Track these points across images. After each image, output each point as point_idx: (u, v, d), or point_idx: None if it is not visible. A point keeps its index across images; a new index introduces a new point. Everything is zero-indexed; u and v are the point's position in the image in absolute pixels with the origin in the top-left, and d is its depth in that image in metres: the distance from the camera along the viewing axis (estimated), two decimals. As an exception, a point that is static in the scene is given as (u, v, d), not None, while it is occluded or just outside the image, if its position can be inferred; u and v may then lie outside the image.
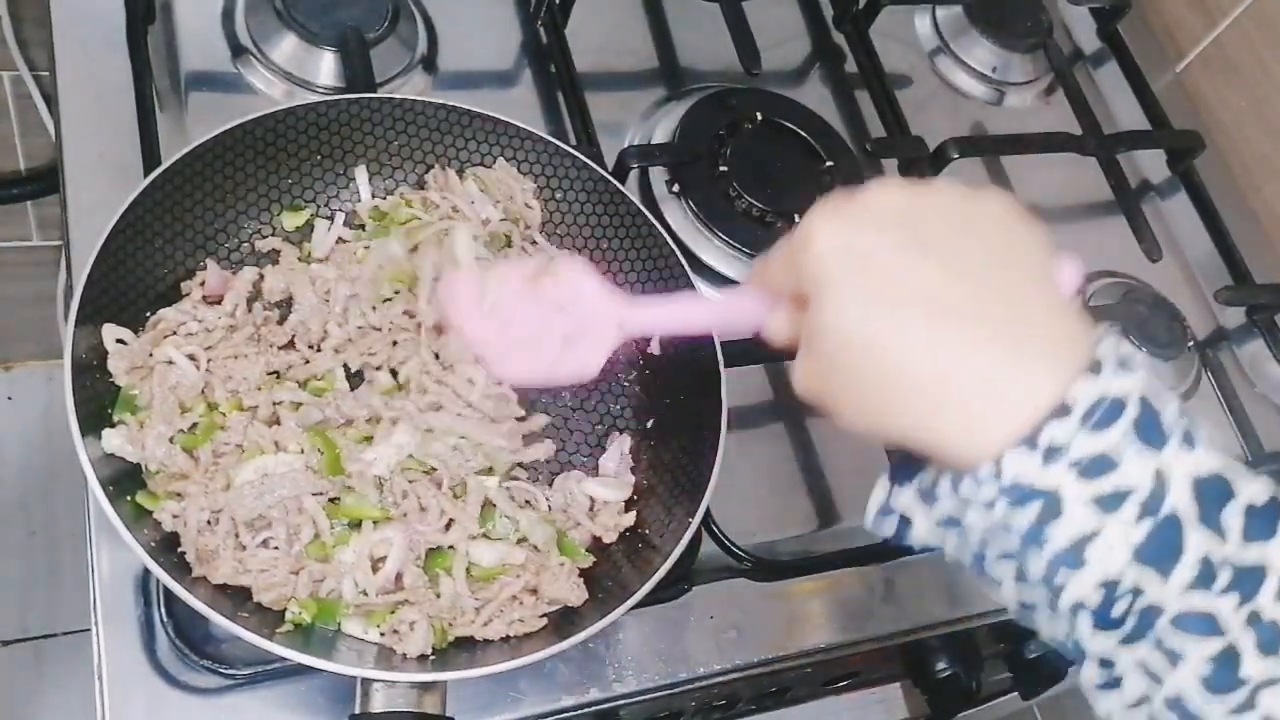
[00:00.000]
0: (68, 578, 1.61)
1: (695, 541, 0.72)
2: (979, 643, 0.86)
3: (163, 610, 0.64)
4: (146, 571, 0.65)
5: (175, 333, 0.66)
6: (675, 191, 0.88)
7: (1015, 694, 0.96)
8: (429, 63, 0.90)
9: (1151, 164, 1.10)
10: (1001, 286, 0.43)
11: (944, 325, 0.42)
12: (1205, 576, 0.40)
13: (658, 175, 0.89)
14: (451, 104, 0.75)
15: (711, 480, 0.67)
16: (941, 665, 0.84)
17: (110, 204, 0.64)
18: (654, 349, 0.76)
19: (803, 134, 0.93)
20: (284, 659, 0.58)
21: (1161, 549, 0.40)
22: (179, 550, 0.61)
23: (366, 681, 0.59)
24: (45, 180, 1.33)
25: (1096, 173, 1.00)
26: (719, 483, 0.67)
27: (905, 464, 0.47)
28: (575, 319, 0.58)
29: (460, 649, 0.63)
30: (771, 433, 0.84)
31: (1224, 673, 0.41)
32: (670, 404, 0.74)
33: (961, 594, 0.81)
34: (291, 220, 0.73)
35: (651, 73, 0.97)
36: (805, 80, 1.02)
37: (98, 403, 0.63)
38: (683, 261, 0.74)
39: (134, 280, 0.66)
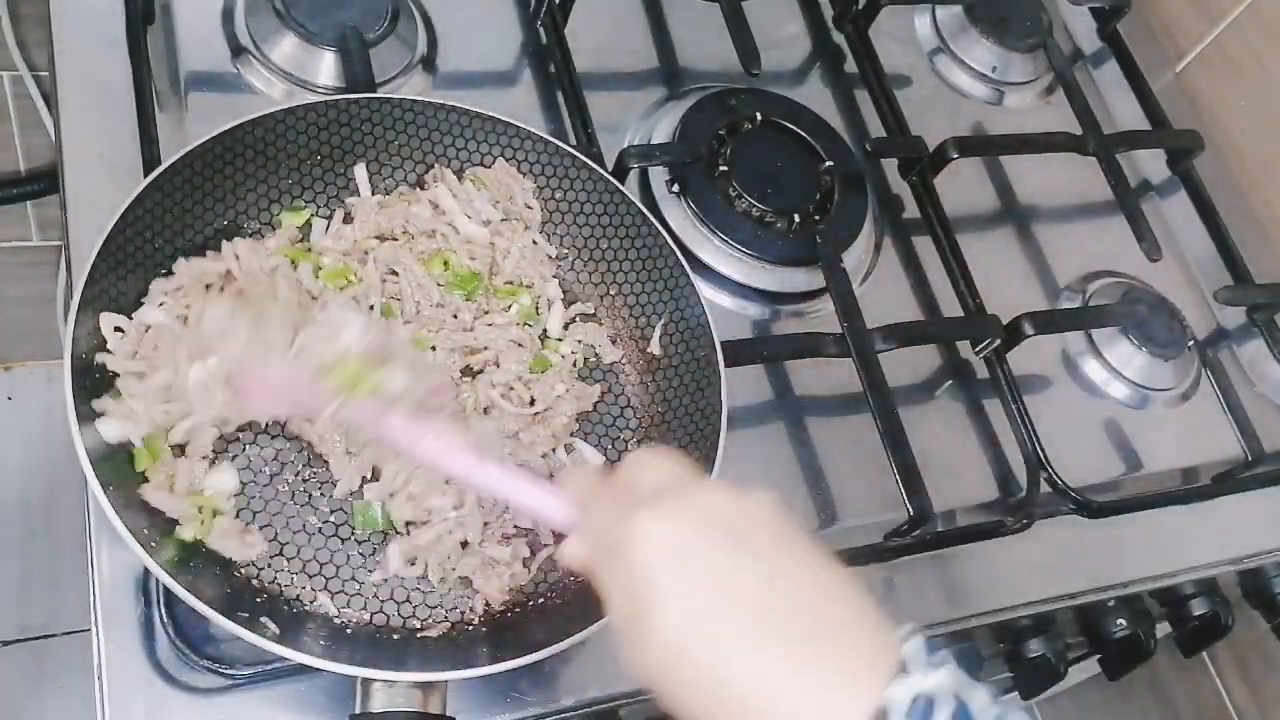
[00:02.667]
0: (68, 578, 1.61)
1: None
2: (979, 643, 0.86)
3: (163, 610, 0.64)
4: (146, 571, 0.65)
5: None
6: (675, 191, 0.88)
7: (1015, 694, 0.96)
8: (429, 63, 0.90)
9: (1151, 164, 1.10)
10: (811, 597, 0.45)
11: (761, 637, 0.44)
12: None
13: (658, 175, 0.89)
14: (451, 104, 0.75)
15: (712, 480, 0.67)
16: (941, 665, 0.84)
17: (110, 204, 0.64)
18: (654, 349, 0.76)
19: (802, 134, 0.93)
20: (284, 659, 0.58)
21: None
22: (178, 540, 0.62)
23: (366, 681, 0.59)
24: (45, 180, 1.33)
25: (1096, 172, 1.00)
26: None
27: None
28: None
29: (460, 649, 0.63)
30: (771, 433, 0.84)
31: None
32: (670, 404, 0.74)
33: (961, 594, 0.81)
34: (291, 220, 0.73)
35: (651, 73, 0.97)
36: (805, 80, 1.02)
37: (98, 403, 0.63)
38: (682, 261, 0.74)
39: (134, 280, 0.66)
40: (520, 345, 0.74)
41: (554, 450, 0.72)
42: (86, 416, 0.60)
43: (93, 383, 0.62)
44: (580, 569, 0.52)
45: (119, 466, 0.62)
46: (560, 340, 0.76)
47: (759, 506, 0.48)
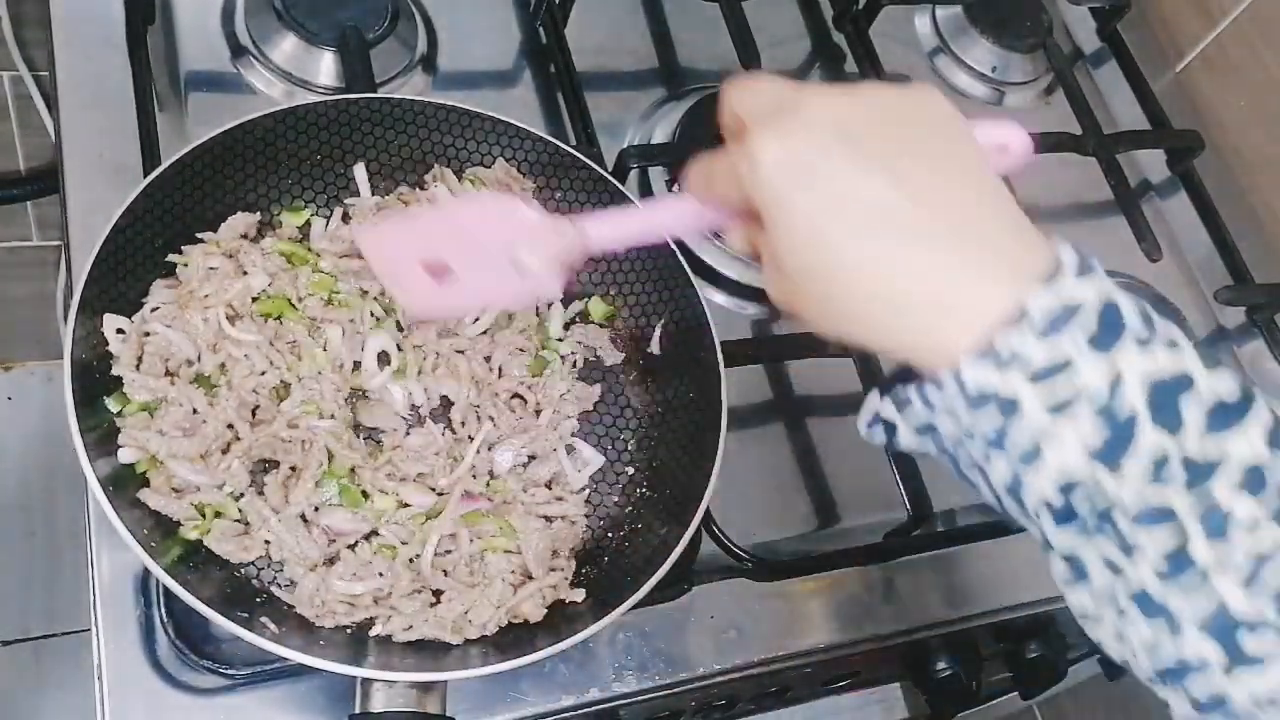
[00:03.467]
0: (68, 578, 1.61)
1: (695, 541, 0.72)
2: (979, 643, 0.86)
3: (162, 610, 0.64)
4: (146, 572, 0.65)
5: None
6: (675, 191, 0.88)
7: (1015, 694, 0.96)
8: (428, 63, 0.90)
9: (1151, 164, 1.10)
10: (948, 193, 0.44)
11: (897, 238, 0.43)
12: (1159, 472, 0.41)
13: (658, 175, 0.89)
14: (451, 104, 0.75)
15: (711, 480, 0.67)
16: (941, 665, 0.84)
17: (110, 204, 0.64)
18: (654, 349, 0.76)
19: (802, 134, 0.93)
20: (283, 659, 0.58)
21: (1116, 447, 0.41)
22: (180, 543, 0.62)
23: (366, 681, 0.59)
24: (45, 180, 1.33)
25: (1096, 172, 1.00)
26: (719, 483, 0.67)
27: (895, 375, 0.48)
28: (513, 244, 0.56)
29: (460, 649, 0.64)
30: (771, 433, 0.84)
31: (1175, 561, 0.42)
32: (670, 404, 0.74)
33: (961, 594, 0.81)
34: (291, 220, 0.73)
35: (651, 73, 0.97)
36: (805, 80, 1.02)
37: (98, 403, 0.63)
38: (682, 262, 0.74)
39: (134, 280, 0.66)
40: (522, 350, 0.74)
41: (554, 451, 0.72)
42: (87, 419, 0.60)
43: (93, 383, 0.62)
44: (754, 249, 0.49)
45: (119, 467, 0.62)
46: (560, 340, 0.76)
47: (890, 106, 0.45)
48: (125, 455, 0.62)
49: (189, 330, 0.66)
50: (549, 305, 0.76)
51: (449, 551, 0.67)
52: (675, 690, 0.73)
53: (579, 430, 0.74)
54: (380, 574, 0.65)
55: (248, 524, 0.64)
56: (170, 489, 0.63)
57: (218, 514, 0.64)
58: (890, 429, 0.47)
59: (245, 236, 0.71)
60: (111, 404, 0.63)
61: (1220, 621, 0.42)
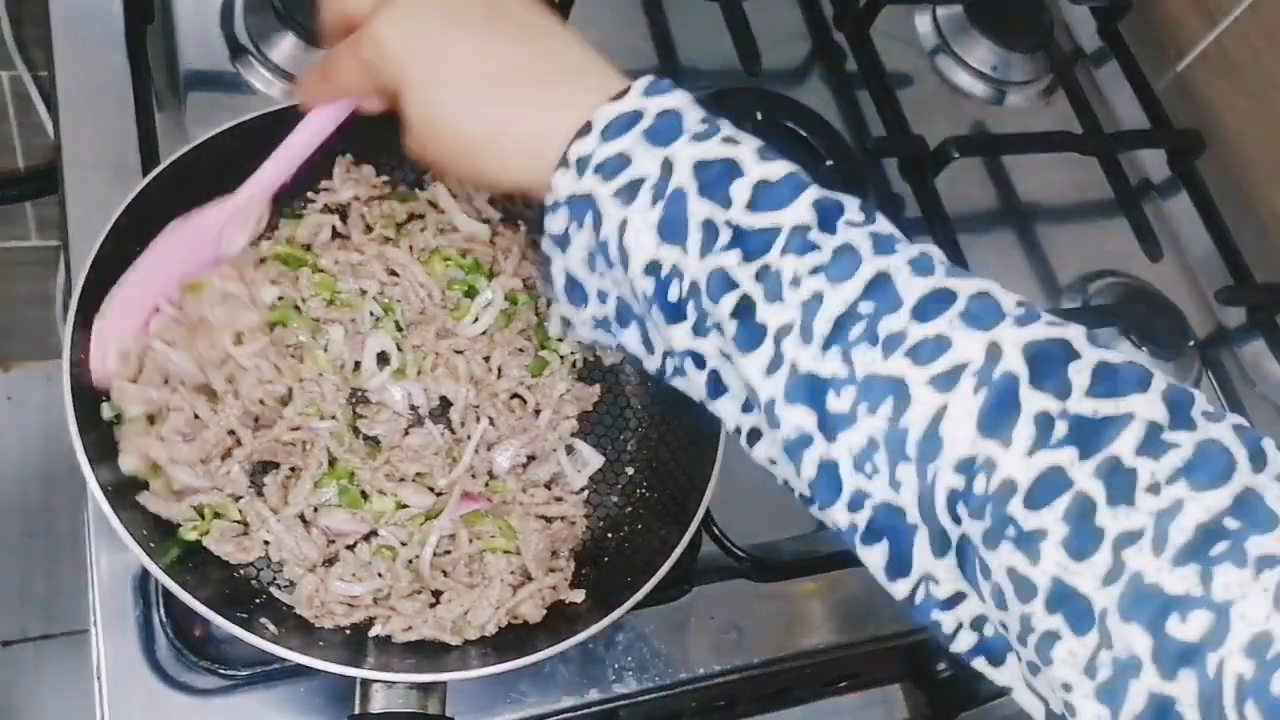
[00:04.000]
0: (67, 578, 1.61)
1: (695, 542, 0.72)
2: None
3: (162, 611, 0.64)
4: (145, 572, 0.65)
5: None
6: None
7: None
8: (428, 62, 0.89)
9: (1152, 163, 1.09)
10: (536, 49, 0.52)
11: (493, 89, 0.50)
12: (709, 239, 0.46)
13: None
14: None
15: (711, 480, 0.67)
16: (941, 665, 0.84)
17: (109, 204, 0.64)
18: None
19: (803, 133, 0.93)
20: (283, 659, 0.58)
21: (674, 227, 0.47)
22: (179, 546, 0.62)
23: (366, 682, 0.59)
24: (44, 180, 1.33)
25: (1097, 172, 1.00)
26: (719, 483, 0.67)
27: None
28: (216, 242, 0.65)
29: (459, 650, 0.63)
30: (772, 433, 0.83)
31: (745, 328, 0.46)
32: (670, 404, 0.74)
33: (962, 594, 0.81)
34: (289, 226, 0.73)
35: (651, 71, 0.96)
36: (805, 80, 1.02)
37: (97, 404, 0.62)
38: (683, 261, 0.74)
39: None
40: (521, 350, 0.74)
41: (554, 451, 0.72)
42: (86, 419, 0.60)
43: (93, 386, 0.62)
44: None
45: (118, 467, 0.62)
46: (560, 340, 0.76)
47: None
48: (126, 464, 0.62)
49: (194, 354, 0.65)
50: (549, 304, 0.76)
51: (448, 552, 0.67)
52: (675, 691, 0.73)
53: (578, 430, 0.74)
54: (380, 574, 0.65)
55: (247, 525, 0.64)
56: (170, 491, 0.63)
57: (217, 515, 0.64)
58: (568, 281, 0.53)
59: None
60: (107, 410, 0.63)
61: (800, 387, 0.45)
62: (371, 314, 0.71)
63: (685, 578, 0.73)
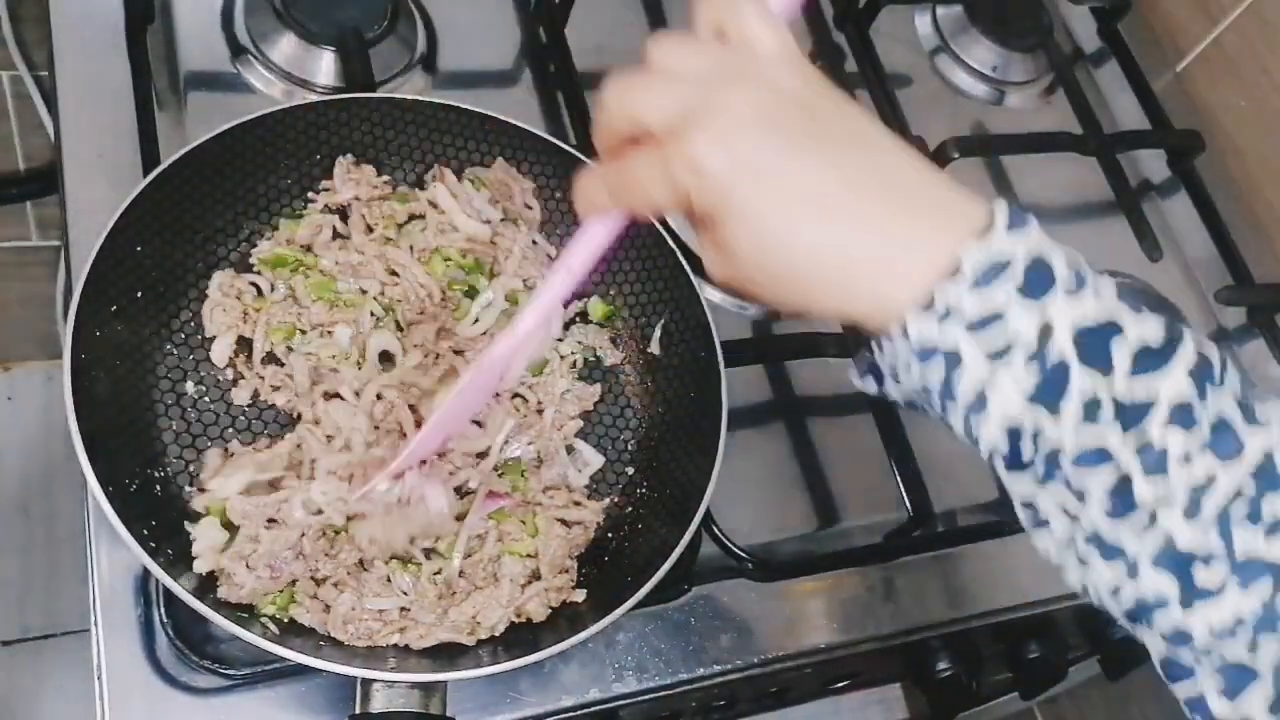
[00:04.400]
0: (67, 578, 1.61)
1: (695, 542, 0.72)
2: (979, 643, 0.86)
3: (162, 610, 0.64)
4: (146, 572, 0.65)
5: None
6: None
7: (1015, 694, 0.96)
8: (428, 62, 0.90)
9: (1152, 164, 1.10)
10: (874, 166, 0.46)
11: (835, 216, 0.45)
12: (1092, 413, 0.44)
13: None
14: (450, 103, 0.75)
15: (711, 480, 0.67)
16: (941, 665, 0.84)
17: (109, 204, 0.64)
18: (654, 349, 0.76)
19: (803, 134, 0.93)
20: (283, 659, 0.58)
21: (1050, 391, 0.44)
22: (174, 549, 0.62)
23: (366, 682, 0.59)
24: (44, 180, 1.33)
25: (1097, 172, 1.00)
26: (719, 483, 0.67)
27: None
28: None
29: (460, 649, 0.63)
30: (771, 433, 0.84)
31: (1120, 500, 0.44)
32: (670, 404, 0.74)
33: (962, 594, 0.81)
34: (290, 227, 0.73)
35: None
36: (805, 80, 1.02)
37: (98, 404, 0.63)
38: (683, 261, 0.74)
39: (133, 281, 0.66)
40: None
41: (556, 452, 0.72)
42: (89, 419, 0.60)
43: (92, 384, 0.62)
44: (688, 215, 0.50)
45: (119, 470, 0.62)
46: (561, 340, 0.76)
47: (786, 88, 0.47)
48: (201, 566, 0.62)
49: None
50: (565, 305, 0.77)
51: (470, 554, 0.67)
52: (675, 691, 0.73)
53: (579, 430, 0.74)
54: (404, 593, 0.65)
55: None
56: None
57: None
58: (879, 378, 0.50)
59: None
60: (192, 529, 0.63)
61: (1171, 556, 0.44)
62: (372, 314, 0.71)
63: (685, 578, 0.73)
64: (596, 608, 0.64)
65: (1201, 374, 0.45)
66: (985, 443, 0.46)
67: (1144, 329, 0.44)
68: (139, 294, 0.67)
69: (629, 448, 0.74)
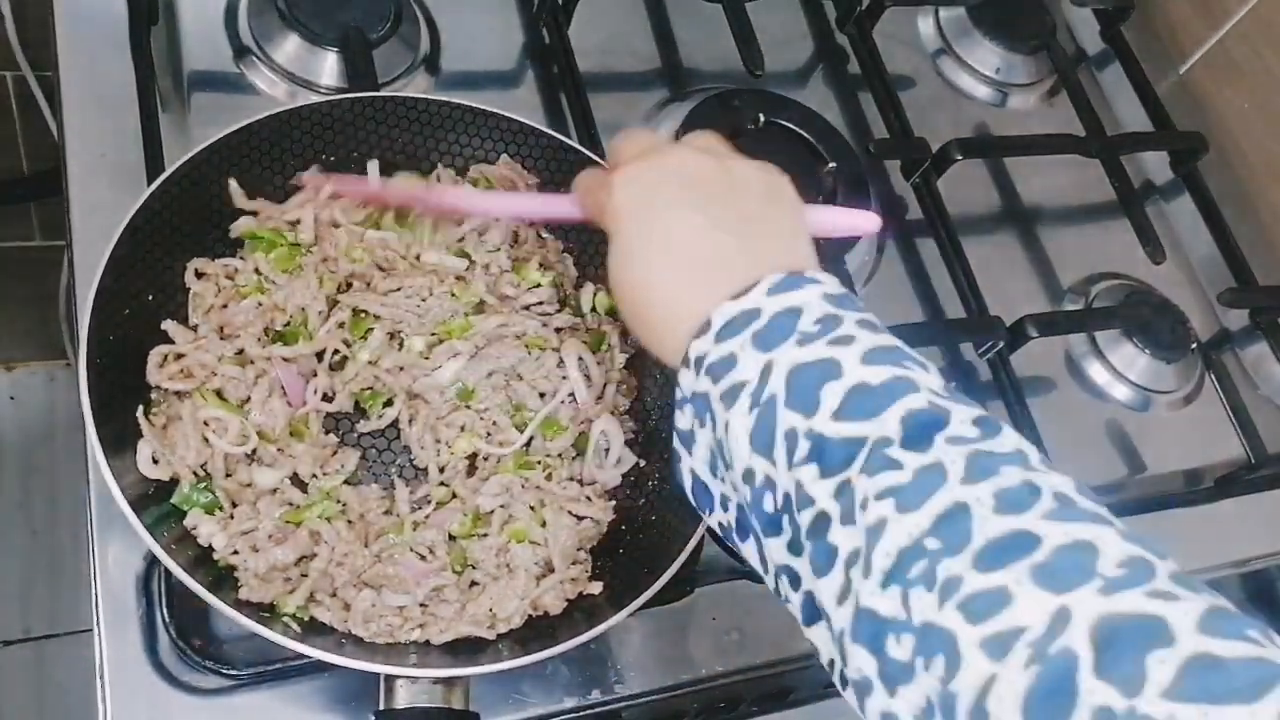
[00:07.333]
0: (69, 578, 1.61)
1: (698, 544, 0.72)
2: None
3: (164, 610, 0.64)
4: (148, 571, 0.65)
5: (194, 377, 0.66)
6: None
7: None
8: (431, 63, 0.90)
9: (1155, 166, 1.09)
10: (744, 245, 0.51)
11: (678, 275, 0.51)
12: (793, 451, 0.44)
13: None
14: (454, 100, 0.75)
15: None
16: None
17: (113, 205, 0.64)
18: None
19: (805, 135, 0.93)
20: (283, 659, 0.58)
21: (763, 433, 0.45)
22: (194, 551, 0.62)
23: (390, 678, 0.59)
24: (49, 182, 1.33)
25: (1099, 174, 1.00)
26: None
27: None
28: None
29: (481, 644, 0.64)
30: (774, 434, 0.83)
31: (818, 544, 0.43)
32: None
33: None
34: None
35: (654, 73, 0.97)
36: (808, 81, 1.02)
37: (112, 403, 0.63)
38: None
39: (144, 284, 0.66)
40: (574, 330, 0.74)
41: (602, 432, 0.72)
42: (105, 422, 0.60)
43: (107, 384, 0.62)
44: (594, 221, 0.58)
45: (135, 467, 0.62)
46: (594, 311, 0.76)
47: (740, 174, 0.55)
48: (218, 544, 0.63)
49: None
50: (577, 288, 0.77)
51: (485, 534, 0.67)
52: (677, 692, 0.73)
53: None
54: (426, 553, 0.65)
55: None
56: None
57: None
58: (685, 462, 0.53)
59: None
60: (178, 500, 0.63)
61: (871, 627, 0.40)
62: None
63: (688, 580, 0.73)
64: (613, 600, 0.64)
65: (926, 421, 0.42)
66: (742, 496, 0.47)
67: (869, 371, 0.44)
68: (150, 297, 0.67)
69: (640, 439, 0.74)
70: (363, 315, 0.70)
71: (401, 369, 0.70)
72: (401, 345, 0.70)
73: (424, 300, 0.71)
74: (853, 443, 0.42)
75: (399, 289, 0.71)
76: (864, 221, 0.61)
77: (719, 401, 0.47)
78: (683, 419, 0.51)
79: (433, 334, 0.71)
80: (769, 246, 0.51)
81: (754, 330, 0.47)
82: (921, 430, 0.42)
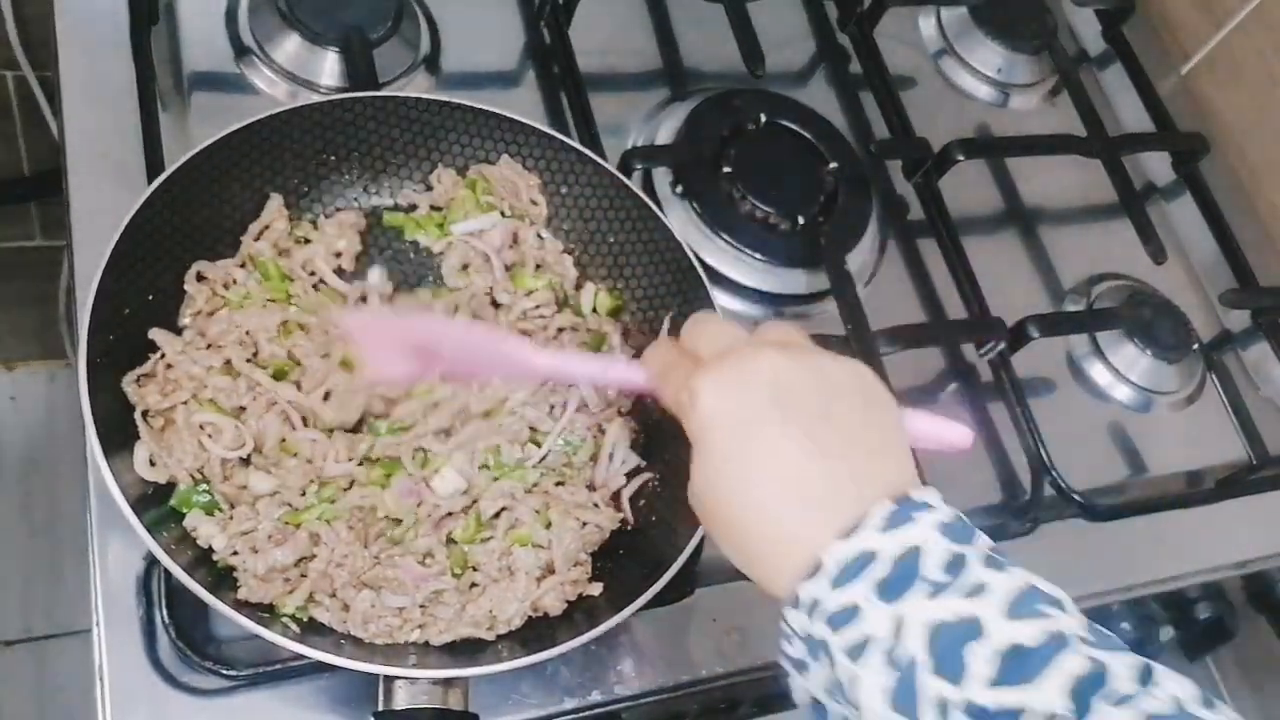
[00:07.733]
0: (69, 578, 1.61)
1: (698, 544, 0.72)
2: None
3: (164, 611, 0.64)
4: (148, 572, 0.65)
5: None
6: (679, 193, 0.87)
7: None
8: (432, 63, 0.90)
9: (1156, 166, 1.09)
10: (835, 465, 0.48)
11: (784, 495, 0.48)
12: (944, 717, 0.42)
13: (661, 177, 0.88)
14: (455, 100, 0.74)
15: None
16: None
17: (113, 204, 0.64)
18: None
19: (807, 135, 0.93)
20: (283, 660, 0.58)
21: (905, 694, 0.42)
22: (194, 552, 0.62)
23: (389, 679, 0.59)
24: (49, 181, 1.33)
25: (1101, 175, 1.00)
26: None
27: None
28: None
29: (481, 645, 0.64)
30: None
31: None
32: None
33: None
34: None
35: (655, 73, 0.97)
36: (809, 81, 1.02)
37: (113, 405, 0.63)
38: (689, 253, 0.74)
39: (144, 285, 0.66)
40: (574, 330, 0.74)
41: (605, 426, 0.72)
42: (106, 421, 0.60)
43: (106, 383, 0.62)
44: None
45: (135, 470, 0.62)
46: (594, 312, 0.76)
47: (828, 374, 0.50)
48: (218, 545, 0.63)
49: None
50: (578, 289, 0.77)
51: (489, 538, 0.67)
52: (677, 693, 0.72)
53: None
54: (425, 558, 0.65)
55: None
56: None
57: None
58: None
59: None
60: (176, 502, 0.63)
61: None
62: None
63: (688, 580, 0.73)
64: (612, 601, 0.64)
65: (1087, 684, 0.41)
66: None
67: (1018, 630, 0.42)
68: (150, 297, 0.67)
69: (639, 440, 0.74)
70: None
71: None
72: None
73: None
74: (1013, 713, 0.41)
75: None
76: (956, 437, 0.57)
77: (842, 653, 0.44)
78: (793, 649, 0.48)
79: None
80: (875, 468, 0.49)
81: (876, 579, 0.44)
82: (1083, 697, 0.41)
